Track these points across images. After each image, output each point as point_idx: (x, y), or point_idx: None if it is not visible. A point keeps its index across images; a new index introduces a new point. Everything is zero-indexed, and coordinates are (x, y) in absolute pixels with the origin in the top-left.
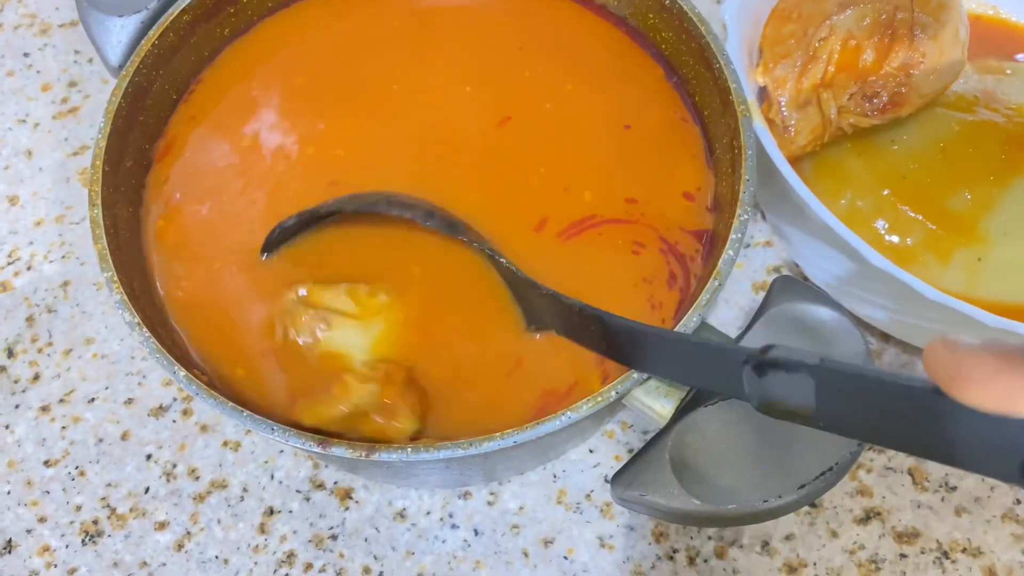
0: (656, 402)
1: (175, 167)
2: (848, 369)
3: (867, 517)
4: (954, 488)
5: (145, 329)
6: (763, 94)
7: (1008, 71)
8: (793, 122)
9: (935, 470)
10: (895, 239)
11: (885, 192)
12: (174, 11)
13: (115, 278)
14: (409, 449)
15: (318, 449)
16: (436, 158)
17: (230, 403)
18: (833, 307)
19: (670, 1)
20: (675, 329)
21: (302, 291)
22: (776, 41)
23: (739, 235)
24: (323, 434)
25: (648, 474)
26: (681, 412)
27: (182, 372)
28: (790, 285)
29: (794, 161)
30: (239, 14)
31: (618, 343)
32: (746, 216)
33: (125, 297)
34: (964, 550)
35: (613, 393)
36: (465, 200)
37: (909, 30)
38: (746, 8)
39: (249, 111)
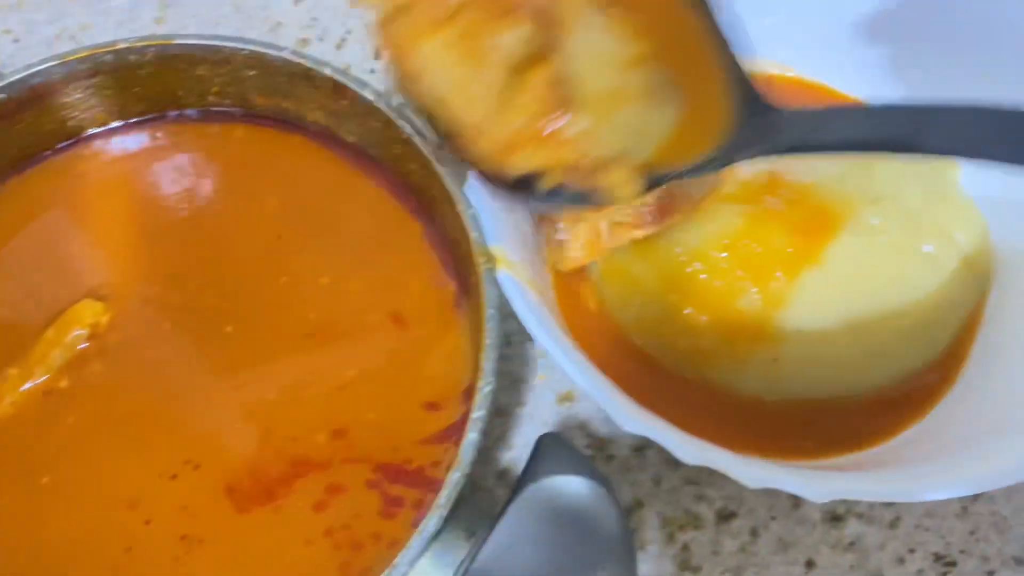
0: None
1: None
2: None
3: None
4: None
5: None
6: None
7: None
8: (567, 236)
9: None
10: (688, 343)
11: (673, 298)
12: None
13: None
14: None
15: None
16: None
17: None
18: (591, 475)
19: (406, 135)
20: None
21: None
22: None
23: (483, 412)
24: None
25: None
26: None
27: None
28: (551, 450)
29: (580, 267)
30: None
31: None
32: (490, 387)
33: None
34: None
35: None
36: None
37: None
38: None
39: None
